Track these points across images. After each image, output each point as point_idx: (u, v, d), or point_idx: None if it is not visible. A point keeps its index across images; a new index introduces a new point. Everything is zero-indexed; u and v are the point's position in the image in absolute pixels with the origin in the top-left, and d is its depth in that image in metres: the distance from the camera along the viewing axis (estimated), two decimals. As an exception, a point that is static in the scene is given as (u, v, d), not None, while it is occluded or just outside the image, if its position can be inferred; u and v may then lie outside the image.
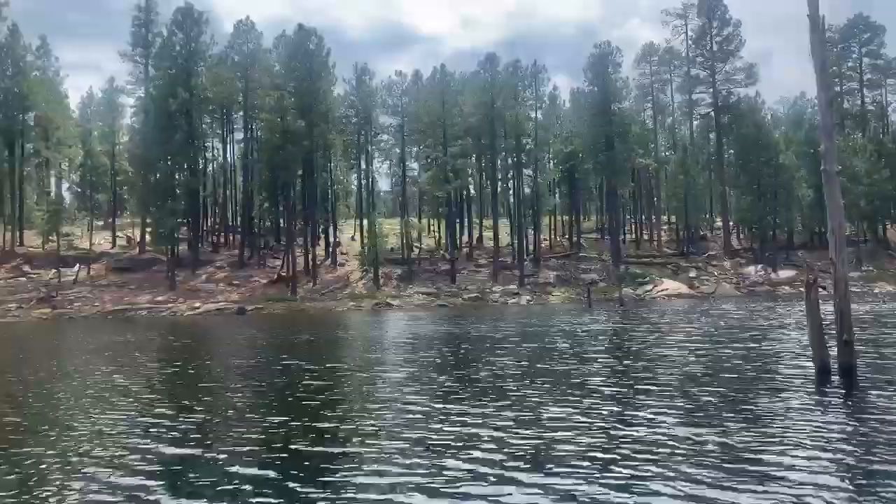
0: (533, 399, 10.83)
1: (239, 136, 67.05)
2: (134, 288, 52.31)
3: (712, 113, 75.44)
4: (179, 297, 50.12)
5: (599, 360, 16.21)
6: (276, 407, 11.32)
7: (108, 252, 60.13)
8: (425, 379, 13.59)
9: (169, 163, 56.84)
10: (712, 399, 10.62)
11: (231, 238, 65.19)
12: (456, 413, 9.76)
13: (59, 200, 66.71)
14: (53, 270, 52.54)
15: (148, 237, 58.83)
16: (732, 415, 9.29)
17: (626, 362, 15.80)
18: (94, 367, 18.03)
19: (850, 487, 6.22)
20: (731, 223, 71.75)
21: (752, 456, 7.17)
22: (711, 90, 74.58)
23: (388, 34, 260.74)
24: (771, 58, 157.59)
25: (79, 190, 76.56)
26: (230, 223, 67.53)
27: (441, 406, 10.35)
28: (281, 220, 61.03)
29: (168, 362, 19.13)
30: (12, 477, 7.33)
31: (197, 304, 48.35)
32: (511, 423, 8.97)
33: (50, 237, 54.25)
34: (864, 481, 6.38)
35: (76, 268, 53.86)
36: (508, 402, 10.48)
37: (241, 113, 64.24)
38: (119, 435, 9.34)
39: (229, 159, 68.44)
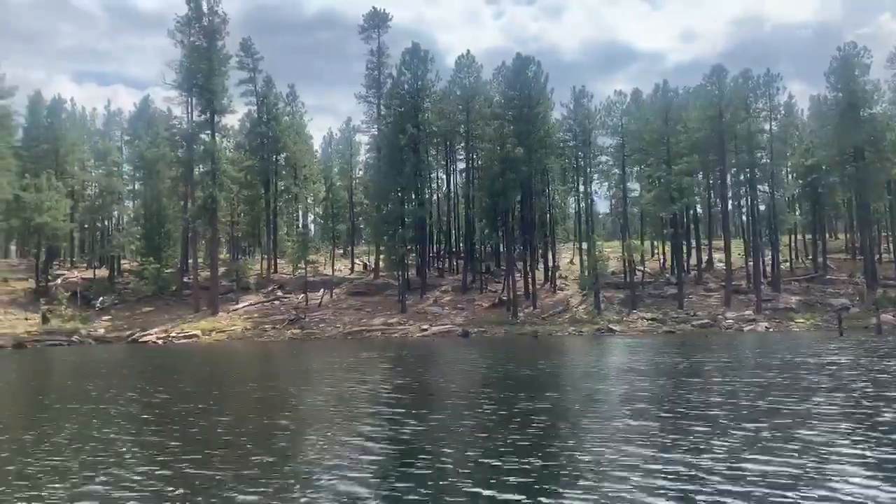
0: (743, 439, 9.83)
1: (461, 165, 69.95)
2: (369, 310, 56.22)
3: None
4: (409, 320, 52.98)
5: (837, 403, 13.67)
6: (463, 441, 10.72)
7: (348, 277, 65.47)
8: (628, 419, 12.14)
9: (399, 194, 60.62)
10: None
11: (455, 263, 67.86)
12: (651, 460, 8.83)
13: (306, 231, 74.13)
14: (301, 294, 58.15)
15: (381, 263, 63.08)
16: None
17: (872, 408, 13.76)
18: (316, 385, 19.68)
19: None
20: None
21: None
22: None
23: (604, 54, 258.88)
24: None
25: (322, 221, 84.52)
26: (454, 249, 70.37)
27: (644, 452, 9.27)
28: (501, 246, 62.35)
29: (380, 383, 19.70)
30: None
31: (425, 326, 50.74)
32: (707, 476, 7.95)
33: (298, 265, 60.18)
34: None
35: (321, 292, 59.14)
36: (716, 453, 9.16)
37: (462, 144, 66.97)
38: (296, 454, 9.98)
39: (452, 188, 71.51)
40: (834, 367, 20.46)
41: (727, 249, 57.70)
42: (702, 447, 9.45)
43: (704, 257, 65.20)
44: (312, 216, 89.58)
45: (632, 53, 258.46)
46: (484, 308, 56.08)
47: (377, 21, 65.58)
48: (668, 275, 61.51)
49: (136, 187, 74.85)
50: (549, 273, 62.24)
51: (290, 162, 71.16)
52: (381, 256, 62.88)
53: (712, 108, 58.47)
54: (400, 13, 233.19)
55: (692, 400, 14.43)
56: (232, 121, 71.92)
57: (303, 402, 16.19)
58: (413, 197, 62.19)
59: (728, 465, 8.38)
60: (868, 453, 8.88)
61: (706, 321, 50.23)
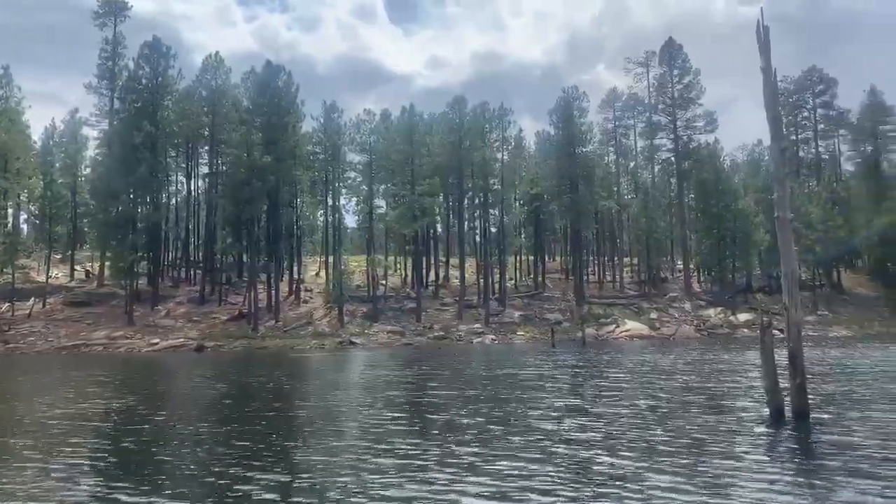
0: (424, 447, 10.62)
1: (204, 170, 66.66)
2: (90, 323, 51.06)
3: (673, 158, 77.24)
4: (137, 333, 49.06)
5: (509, 413, 14.50)
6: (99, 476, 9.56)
7: (66, 286, 58.77)
8: (294, 440, 11.93)
9: (131, 196, 56.12)
10: (664, 438, 10.66)
11: (192, 273, 64.25)
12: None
13: (16, 232, 65.20)
14: (7, 304, 51.09)
15: (107, 271, 57.71)
16: (681, 460, 9.26)
17: (569, 403, 15.79)
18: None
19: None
20: (691, 266, 72.95)
21: (712, 498, 7.20)
22: (672, 136, 76.45)
23: (356, 72, 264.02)
24: (736, 103, 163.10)
25: (37, 222, 75.00)
26: (192, 258, 66.59)
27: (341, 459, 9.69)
28: (244, 256, 60.37)
29: (66, 406, 17.26)
30: None
31: (155, 341, 47.32)
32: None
33: (5, 269, 52.81)
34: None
35: (31, 301, 52.48)
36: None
37: (206, 147, 63.95)
38: None
39: (193, 193, 67.85)
40: (527, 380, 22.11)
41: (462, 267, 61.82)
42: (358, 466, 9.47)
43: (442, 273, 69.05)
44: (26, 215, 79.07)
45: (383, 74, 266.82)
46: (222, 321, 53.80)
47: (114, 8, 60.60)
48: (408, 289, 64.09)
49: None
50: (294, 286, 61.58)
51: (-1, 152, 62.17)
52: (108, 263, 57.51)
53: (453, 135, 62.50)
54: (142, 3, 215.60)
55: (377, 416, 14.59)
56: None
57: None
58: (148, 200, 57.97)
59: (376, 484, 8.44)
60: (511, 462, 9.36)
61: (441, 334, 53.20)
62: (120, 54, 61.37)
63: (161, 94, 58.55)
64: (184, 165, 66.35)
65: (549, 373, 24.25)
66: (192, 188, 67.57)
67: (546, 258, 74.64)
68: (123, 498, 8.02)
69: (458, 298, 60.57)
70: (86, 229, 68.27)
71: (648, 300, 64.88)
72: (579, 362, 29.06)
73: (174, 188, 67.53)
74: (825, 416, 12.67)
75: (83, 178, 69.13)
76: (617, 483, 7.94)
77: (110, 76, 61.15)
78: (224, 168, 61.57)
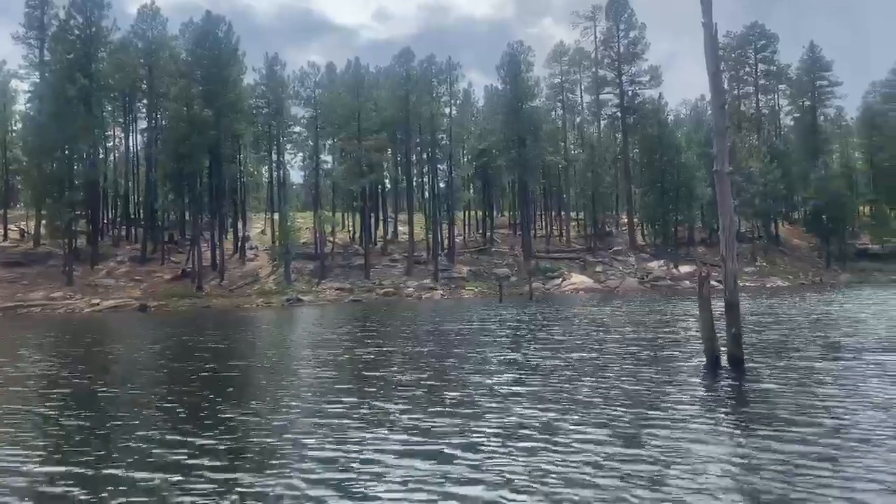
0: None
1: (143, 124, 64.47)
2: (27, 283, 49.39)
3: (618, 113, 77.82)
4: (77, 293, 47.73)
5: (493, 354, 15.79)
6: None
7: (0, 245, 56.65)
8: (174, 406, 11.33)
9: (66, 152, 53.97)
10: (599, 390, 10.91)
11: (133, 231, 62.55)
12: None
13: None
14: (-65, 265, 49.03)
15: (43, 230, 55.75)
16: (620, 407, 9.49)
17: (506, 358, 16.01)
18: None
19: (736, 473, 6.48)
20: (635, 220, 74.26)
21: (638, 451, 7.38)
22: (618, 91, 76.88)
23: (300, 23, 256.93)
24: (683, 59, 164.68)
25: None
26: (132, 216, 64.74)
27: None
28: (186, 213, 58.96)
29: None
30: None
31: (96, 301, 46.15)
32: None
33: (-69, 229, 50.55)
34: (747, 470, 6.62)
35: (-39, 262, 50.45)
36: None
37: (144, 101, 61.72)
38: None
39: (132, 149, 65.65)
40: (469, 335, 22.02)
41: (410, 223, 61.71)
42: (289, 427, 9.16)
43: (391, 230, 68.82)
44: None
45: (327, 25, 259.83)
46: (165, 280, 52.75)
47: (40, -48, 57.06)
48: (356, 246, 63.76)
49: None
50: (239, 243, 60.57)
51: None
52: (44, 222, 55.51)
53: (400, 90, 61.66)
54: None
55: (314, 374, 14.24)
56: None
57: None
58: (84, 156, 55.91)
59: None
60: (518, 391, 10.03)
61: (390, 290, 53.30)
62: (49, 2, 58.34)
63: (95, 44, 56.13)
64: (121, 120, 64.07)
65: (492, 327, 24.49)
66: (131, 143, 65.52)
67: (494, 214, 75.00)
68: (33, 468, 7.47)
69: (406, 255, 60.57)
70: (19, 187, 65.67)
71: (594, 254, 66.01)
72: (524, 316, 29.48)
73: (112, 143, 65.21)
74: (759, 364, 13.12)
75: (14, 134, 66.14)
76: (543, 437, 7.96)
77: (39, 26, 58.20)
78: (163, 122, 59.55)
